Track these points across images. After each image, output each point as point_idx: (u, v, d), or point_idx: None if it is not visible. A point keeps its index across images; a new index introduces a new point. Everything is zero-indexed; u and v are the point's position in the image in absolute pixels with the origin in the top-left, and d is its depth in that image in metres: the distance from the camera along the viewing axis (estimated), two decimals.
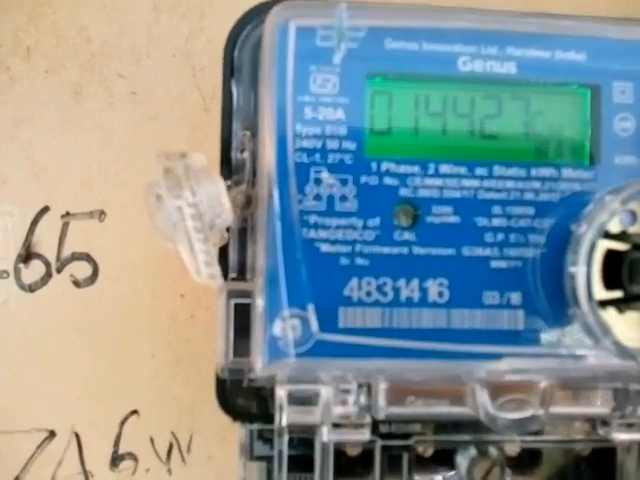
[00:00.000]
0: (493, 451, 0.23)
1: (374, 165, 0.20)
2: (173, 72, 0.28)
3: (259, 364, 0.20)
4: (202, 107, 0.29)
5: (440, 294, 0.20)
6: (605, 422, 0.23)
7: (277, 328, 0.19)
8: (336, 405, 0.21)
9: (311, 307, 0.19)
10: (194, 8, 0.28)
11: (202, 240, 0.18)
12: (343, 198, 0.20)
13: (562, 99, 0.21)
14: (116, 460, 0.28)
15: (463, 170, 0.20)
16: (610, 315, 0.20)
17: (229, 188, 0.21)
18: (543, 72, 0.21)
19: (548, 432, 0.24)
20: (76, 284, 0.28)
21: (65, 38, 0.28)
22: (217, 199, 0.19)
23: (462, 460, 0.23)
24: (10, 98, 0.28)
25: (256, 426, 0.24)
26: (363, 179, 0.20)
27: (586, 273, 0.19)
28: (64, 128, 0.28)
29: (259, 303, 0.19)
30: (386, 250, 0.20)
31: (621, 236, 0.20)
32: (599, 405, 0.22)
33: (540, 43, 0.20)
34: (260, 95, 0.20)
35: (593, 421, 0.23)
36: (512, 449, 0.24)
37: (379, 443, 0.23)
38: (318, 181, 0.20)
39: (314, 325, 0.19)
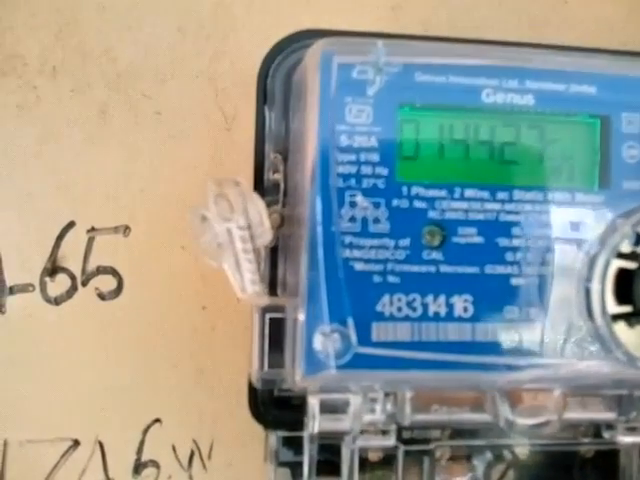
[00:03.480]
0: (507, 454, 0.25)
1: (405, 189, 0.21)
2: (196, 93, 0.29)
3: (298, 376, 0.21)
4: (224, 127, 0.30)
5: (465, 309, 0.22)
6: (610, 426, 0.24)
7: (317, 342, 0.20)
8: (365, 413, 0.22)
9: (351, 321, 0.20)
10: (218, 31, 0.30)
11: (249, 260, 0.19)
12: (376, 220, 0.21)
13: (574, 128, 0.23)
14: (139, 468, 0.29)
15: (486, 194, 0.22)
16: (621, 328, 0.21)
17: None
18: (558, 103, 0.22)
19: (555, 435, 0.25)
20: (101, 297, 0.29)
21: (91, 58, 0.29)
22: (259, 220, 0.20)
23: (479, 463, 0.25)
24: (36, 116, 0.29)
25: (284, 433, 0.25)
26: (394, 202, 0.21)
27: (600, 290, 0.21)
28: (89, 146, 0.29)
29: (300, 317, 0.21)
30: (415, 268, 0.21)
31: (631, 255, 0.21)
32: (605, 410, 0.24)
33: (556, 77, 0.22)
34: (299, 121, 0.22)
35: (598, 425, 0.25)
36: (522, 452, 0.26)
37: (402, 448, 0.24)
38: (353, 204, 0.21)
39: (353, 339, 0.20)
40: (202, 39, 0.30)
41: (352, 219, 0.21)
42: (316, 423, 0.22)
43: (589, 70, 0.22)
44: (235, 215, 0.19)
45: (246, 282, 0.19)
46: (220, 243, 0.20)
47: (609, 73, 0.22)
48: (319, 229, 0.20)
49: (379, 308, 0.21)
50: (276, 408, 0.25)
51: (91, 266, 0.29)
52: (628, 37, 0.31)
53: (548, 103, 0.22)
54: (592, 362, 0.22)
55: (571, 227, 0.22)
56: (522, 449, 0.26)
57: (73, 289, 0.29)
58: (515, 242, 0.22)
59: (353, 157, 0.21)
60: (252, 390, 0.25)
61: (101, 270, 0.29)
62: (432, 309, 0.21)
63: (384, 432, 0.23)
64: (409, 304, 0.21)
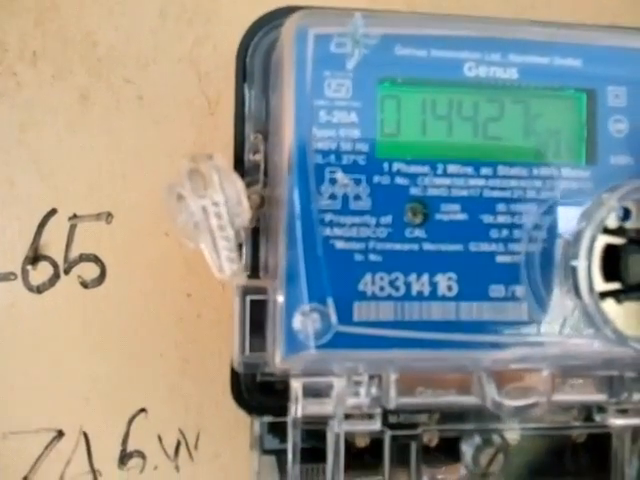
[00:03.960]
0: (496, 438, 0.24)
1: (386, 166, 0.21)
2: (179, 77, 0.29)
3: (278, 357, 0.20)
4: (207, 111, 0.29)
5: (449, 288, 0.21)
6: (601, 408, 0.24)
7: (297, 322, 0.20)
8: (349, 396, 0.22)
9: (330, 301, 0.20)
10: (200, 15, 0.29)
11: (225, 238, 0.19)
12: (357, 197, 0.21)
13: (560, 102, 0.22)
14: (124, 458, 0.29)
15: (469, 170, 0.21)
16: (609, 305, 0.21)
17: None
18: (542, 77, 0.22)
19: (546, 419, 0.25)
20: (84, 285, 0.29)
21: (72, 43, 0.29)
22: (237, 199, 0.20)
23: (467, 448, 0.24)
24: (17, 103, 0.28)
25: (269, 419, 0.24)
26: (375, 179, 0.21)
27: (587, 266, 0.20)
28: (71, 132, 0.29)
29: (279, 298, 0.20)
30: (398, 246, 0.21)
31: (618, 231, 0.21)
32: (596, 392, 0.23)
33: (540, 50, 0.22)
34: (277, 99, 0.21)
35: (589, 408, 0.24)
36: (513, 437, 0.25)
37: (388, 433, 0.24)
38: (333, 181, 0.21)
39: (333, 318, 0.20)
40: (184, 23, 0.29)
41: (332, 196, 0.21)
42: (299, 407, 0.22)
43: (574, 42, 0.22)
44: (209, 191, 0.18)
45: (223, 261, 0.19)
46: (196, 222, 0.19)
47: (594, 45, 0.22)
48: (297, 206, 0.20)
49: (361, 287, 0.21)
50: (260, 393, 0.24)
51: (73, 254, 0.28)
52: (617, 18, 0.31)
53: (532, 77, 0.22)
54: (580, 341, 0.21)
55: (557, 203, 0.22)
56: (513, 434, 0.25)
57: (55, 277, 0.28)
58: (500, 219, 0.21)
59: (332, 133, 0.21)
60: (235, 375, 0.24)
61: (84, 258, 0.29)
62: (415, 288, 0.21)
63: (369, 416, 0.23)
64: (392, 283, 0.21)
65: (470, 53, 0.21)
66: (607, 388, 0.23)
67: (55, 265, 0.28)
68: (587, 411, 0.25)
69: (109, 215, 0.29)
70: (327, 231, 0.21)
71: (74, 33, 0.29)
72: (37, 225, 0.28)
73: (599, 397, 0.23)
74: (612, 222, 0.21)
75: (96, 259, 0.29)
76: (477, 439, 0.24)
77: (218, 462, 0.29)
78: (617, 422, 0.24)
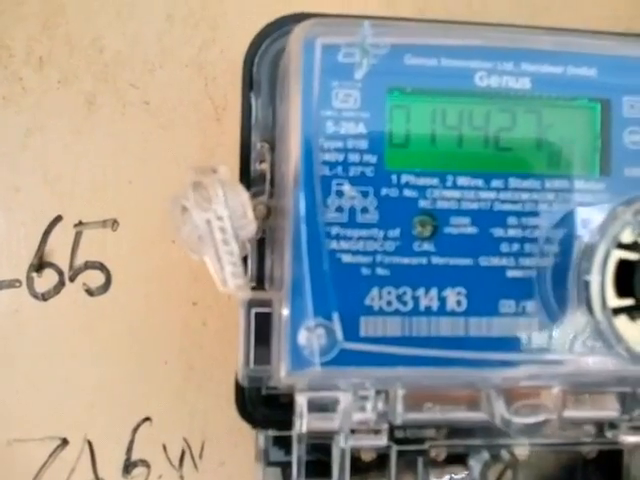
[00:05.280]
0: (505, 455, 0.24)
1: (394, 177, 0.21)
2: (185, 82, 0.29)
3: (283, 372, 0.20)
4: (214, 117, 0.29)
5: (458, 303, 0.21)
6: (613, 425, 0.23)
7: (302, 337, 0.20)
8: (355, 412, 0.22)
9: (336, 316, 0.20)
10: (207, 19, 0.29)
11: (229, 252, 0.19)
12: (364, 210, 0.20)
13: (573, 113, 0.22)
14: (129, 467, 0.28)
15: (480, 182, 0.21)
16: (622, 322, 0.20)
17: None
18: (556, 87, 0.21)
19: (556, 435, 0.24)
20: (89, 293, 0.28)
21: (78, 48, 0.28)
22: (242, 212, 0.20)
23: (475, 464, 0.24)
24: (23, 108, 0.28)
25: (273, 432, 0.24)
26: (383, 191, 0.20)
27: (600, 282, 0.20)
28: (77, 137, 0.28)
29: (284, 312, 0.20)
30: (406, 260, 0.21)
31: (633, 246, 0.20)
32: (608, 409, 0.23)
33: (553, 59, 0.21)
34: (284, 109, 0.21)
35: (601, 424, 0.24)
36: (522, 453, 0.25)
37: (395, 448, 0.23)
38: (340, 193, 0.20)
39: (339, 334, 0.19)
40: (191, 27, 0.29)
41: (339, 209, 0.20)
42: (304, 422, 0.21)
43: (589, 52, 0.21)
44: (213, 205, 0.18)
45: (227, 275, 0.19)
46: (200, 235, 0.19)
47: (610, 55, 0.21)
48: (303, 219, 0.20)
49: (367, 302, 0.20)
50: (264, 407, 0.24)
51: (79, 261, 0.28)
52: (632, 23, 0.30)
53: (545, 86, 0.21)
54: (592, 359, 0.21)
55: (570, 216, 0.21)
56: (522, 450, 0.25)
57: (60, 284, 0.28)
58: (511, 232, 0.21)
59: (340, 144, 0.20)
60: (239, 388, 0.24)
61: (89, 265, 0.28)
62: (423, 303, 0.20)
63: (376, 431, 0.22)
64: (399, 298, 0.20)
65: (481, 62, 0.21)
66: (619, 405, 0.23)
67: (60, 272, 0.28)
68: (598, 427, 0.24)
69: (115, 222, 0.28)
70: (333, 244, 0.20)
71: (80, 38, 0.28)
72: (42, 232, 0.28)
73: (611, 414, 0.23)
74: (627, 237, 0.21)
75: (101, 266, 0.28)
76: (485, 455, 0.24)
77: (223, 471, 0.29)
78: (629, 439, 0.23)
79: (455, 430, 0.24)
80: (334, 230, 0.20)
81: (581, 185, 0.21)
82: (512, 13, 0.29)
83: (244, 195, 0.20)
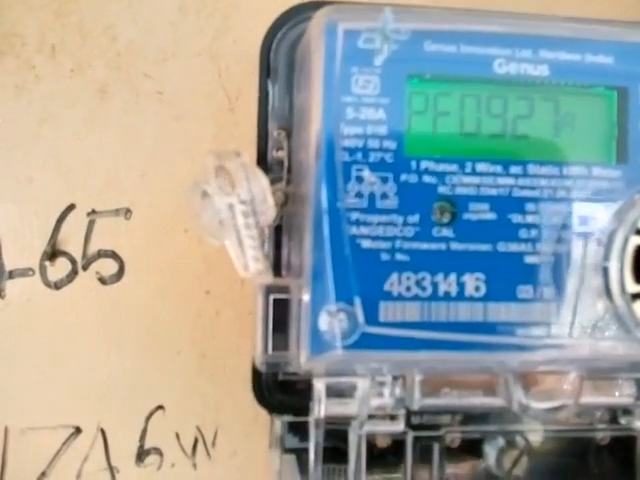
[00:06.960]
0: (520, 440, 0.24)
1: (413, 164, 0.21)
2: (198, 72, 0.29)
3: (303, 357, 0.20)
4: (227, 107, 0.29)
5: (477, 288, 0.21)
6: (627, 411, 0.24)
7: (323, 322, 0.20)
8: (372, 397, 0.22)
9: (358, 301, 0.20)
10: (220, 9, 0.29)
11: (251, 237, 0.19)
12: (384, 196, 0.20)
13: (591, 100, 0.22)
14: (142, 455, 0.29)
15: (498, 168, 0.21)
16: None
17: None
18: (573, 74, 0.21)
19: (570, 421, 0.24)
20: (102, 281, 0.28)
21: (91, 37, 0.28)
22: (263, 197, 0.20)
23: (490, 450, 0.24)
24: (35, 97, 0.28)
25: (290, 418, 0.24)
26: (403, 177, 0.21)
27: (619, 268, 0.20)
28: (89, 127, 0.28)
29: (304, 298, 0.20)
30: (425, 246, 0.21)
31: None
32: (623, 395, 0.23)
33: (571, 47, 0.21)
34: (303, 95, 0.21)
35: (614, 410, 0.24)
36: (535, 439, 0.25)
37: (411, 434, 0.24)
38: (360, 179, 0.20)
39: (360, 318, 0.20)
40: (204, 16, 0.29)
41: (359, 195, 0.20)
42: (322, 407, 0.21)
43: (606, 39, 0.21)
44: (237, 189, 0.18)
45: (249, 259, 0.19)
46: (222, 219, 0.19)
47: (627, 42, 0.21)
48: (324, 205, 0.20)
49: (387, 287, 0.20)
50: (281, 392, 0.24)
51: (92, 250, 0.28)
52: None
53: (563, 74, 0.21)
54: (609, 343, 0.21)
55: (588, 203, 0.21)
56: (535, 436, 0.25)
57: (73, 273, 0.28)
58: (529, 218, 0.21)
59: (360, 130, 0.20)
60: (256, 374, 0.24)
61: (102, 254, 0.28)
62: (442, 288, 0.21)
63: (392, 417, 0.22)
64: (418, 283, 0.20)
65: (500, 49, 0.21)
66: (635, 390, 0.23)
67: (73, 261, 0.28)
68: (612, 413, 0.24)
69: (128, 211, 0.28)
70: (353, 230, 0.20)
71: (93, 26, 0.28)
72: (55, 220, 0.28)
73: (627, 400, 0.23)
74: None
75: (114, 255, 0.28)
76: (500, 441, 0.24)
77: (236, 460, 0.29)
78: None
79: (469, 416, 0.24)
80: (354, 216, 0.20)
81: (598, 172, 0.22)
82: (525, 2, 0.29)
83: (264, 180, 0.20)
